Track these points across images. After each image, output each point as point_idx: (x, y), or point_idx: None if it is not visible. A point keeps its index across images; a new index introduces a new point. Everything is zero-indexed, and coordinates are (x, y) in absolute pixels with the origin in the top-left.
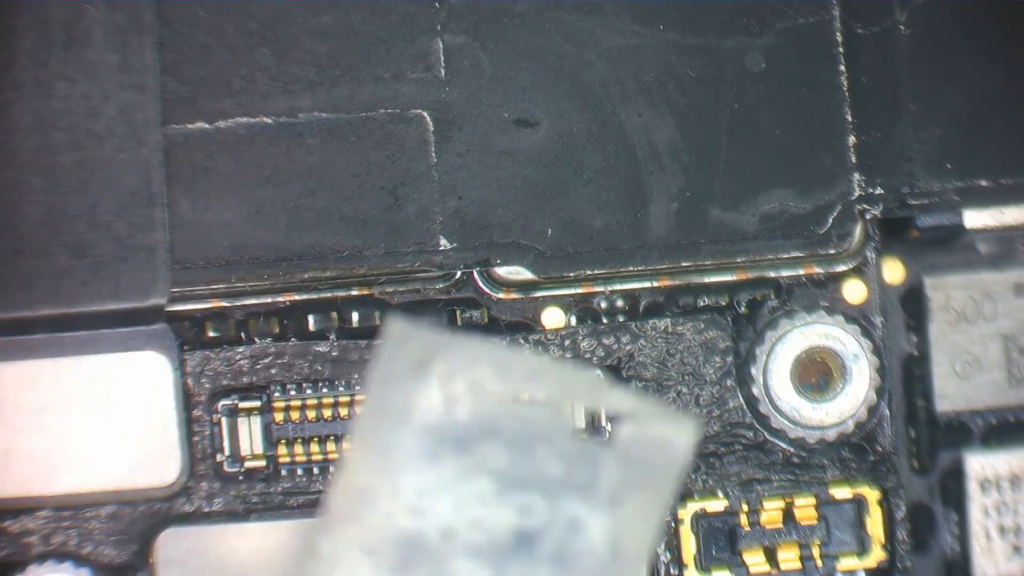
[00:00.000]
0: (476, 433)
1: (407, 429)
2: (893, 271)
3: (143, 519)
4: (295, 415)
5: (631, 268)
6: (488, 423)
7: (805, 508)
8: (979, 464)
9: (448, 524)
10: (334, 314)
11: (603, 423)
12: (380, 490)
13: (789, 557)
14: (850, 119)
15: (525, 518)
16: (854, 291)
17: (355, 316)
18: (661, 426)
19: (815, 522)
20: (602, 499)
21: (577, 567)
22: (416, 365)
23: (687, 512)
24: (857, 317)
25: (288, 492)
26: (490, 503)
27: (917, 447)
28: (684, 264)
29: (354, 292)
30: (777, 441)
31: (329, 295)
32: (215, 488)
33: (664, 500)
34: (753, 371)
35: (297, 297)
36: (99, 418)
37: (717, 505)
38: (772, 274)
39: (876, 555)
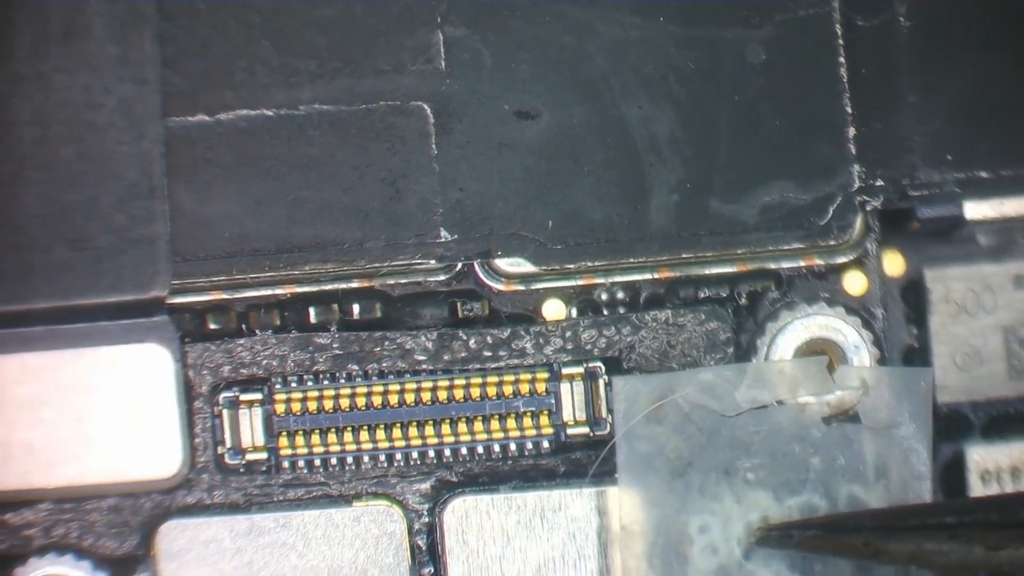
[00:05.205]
0: (736, 454)
1: (666, 475)
2: (893, 263)
3: (144, 511)
4: (296, 407)
5: (632, 260)
6: (743, 441)
7: None
8: (980, 456)
9: (742, 547)
10: (335, 306)
11: (603, 415)
12: (669, 543)
13: None
14: (850, 111)
15: (809, 515)
16: (855, 283)
17: (356, 308)
18: (899, 385)
19: None
20: (871, 474)
21: None
22: (651, 414)
23: None
24: (858, 309)
25: (289, 484)
26: (774, 513)
27: None
28: (685, 255)
29: (355, 284)
30: None
31: (330, 287)
32: (216, 480)
33: (926, 446)
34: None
35: (298, 289)
36: (100, 410)
37: None
38: (773, 266)
39: None
